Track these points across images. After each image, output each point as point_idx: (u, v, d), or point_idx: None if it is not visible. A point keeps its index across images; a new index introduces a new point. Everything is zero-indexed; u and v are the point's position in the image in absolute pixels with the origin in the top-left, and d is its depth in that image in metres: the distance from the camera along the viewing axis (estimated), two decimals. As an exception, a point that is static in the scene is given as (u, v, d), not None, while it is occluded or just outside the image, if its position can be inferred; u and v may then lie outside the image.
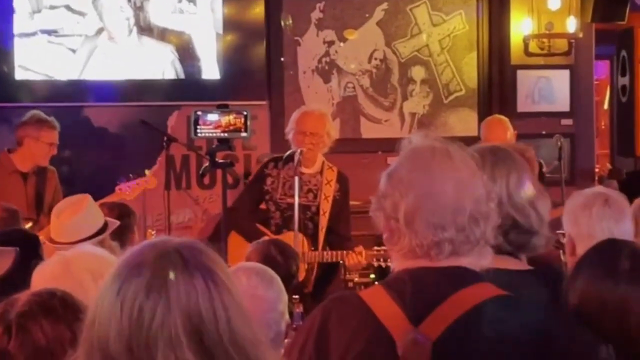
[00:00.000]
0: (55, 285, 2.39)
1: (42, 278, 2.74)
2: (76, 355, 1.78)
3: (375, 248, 6.05)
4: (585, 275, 2.56)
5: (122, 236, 4.62)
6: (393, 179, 2.26)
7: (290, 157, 6.30)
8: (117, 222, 4.53)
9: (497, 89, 8.82)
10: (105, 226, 4.42)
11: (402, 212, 2.20)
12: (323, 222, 6.26)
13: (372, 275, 6.96)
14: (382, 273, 6.19)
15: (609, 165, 9.54)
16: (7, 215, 4.88)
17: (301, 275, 6.13)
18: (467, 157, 2.28)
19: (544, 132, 8.19)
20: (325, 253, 6.19)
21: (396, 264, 2.29)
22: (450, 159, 2.24)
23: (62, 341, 2.18)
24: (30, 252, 3.59)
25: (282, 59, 8.48)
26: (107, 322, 1.72)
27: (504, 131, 6.87)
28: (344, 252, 6.12)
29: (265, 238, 5.42)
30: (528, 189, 2.68)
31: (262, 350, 1.79)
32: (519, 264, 2.69)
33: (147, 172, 6.53)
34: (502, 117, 7.17)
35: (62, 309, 2.25)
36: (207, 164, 5.80)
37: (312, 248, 6.23)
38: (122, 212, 4.90)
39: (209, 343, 1.72)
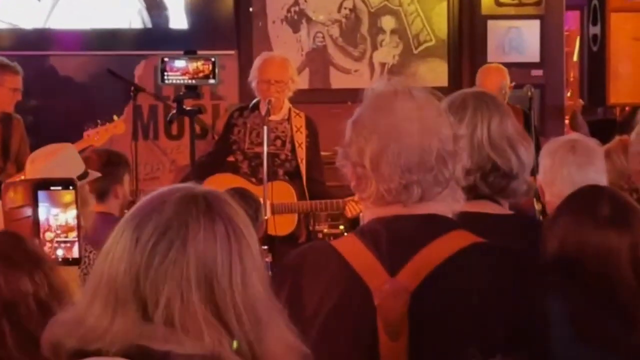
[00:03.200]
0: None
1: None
2: (82, 291, 1.74)
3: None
4: (565, 221, 2.55)
5: (105, 183, 4.46)
6: (357, 125, 2.21)
7: (256, 106, 6.24)
8: (98, 174, 4.38)
9: (467, 39, 8.79)
10: (85, 175, 4.27)
11: (368, 157, 2.15)
12: (303, 170, 6.19)
13: (342, 227, 6.93)
14: (353, 224, 6.15)
15: (581, 101, 9.49)
16: None
17: (292, 225, 6.10)
18: (431, 98, 2.23)
19: (514, 83, 8.16)
20: (319, 203, 6.10)
21: (367, 213, 2.24)
22: (413, 99, 2.18)
23: (21, 292, 2.12)
24: None
25: (250, 8, 8.39)
26: (120, 255, 1.67)
27: (499, 79, 6.86)
28: (341, 200, 5.95)
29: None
30: (509, 132, 2.66)
31: (274, 314, 1.74)
32: (498, 208, 2.66)
33: (115, 117, 6.45)
34: (500, 65, 7.16)
35: (22, 258, 2.18)
36: (174, 111, 5.75)
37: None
38: (110, 160, 4.67)
39: (218, 293, 1.66)
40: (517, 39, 8.78)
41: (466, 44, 8.79)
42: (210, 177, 5.95)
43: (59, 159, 4.19)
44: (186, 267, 1.65)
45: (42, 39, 7.92)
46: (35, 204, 2.47)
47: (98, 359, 1.64)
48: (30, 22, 7.90)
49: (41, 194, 2.47)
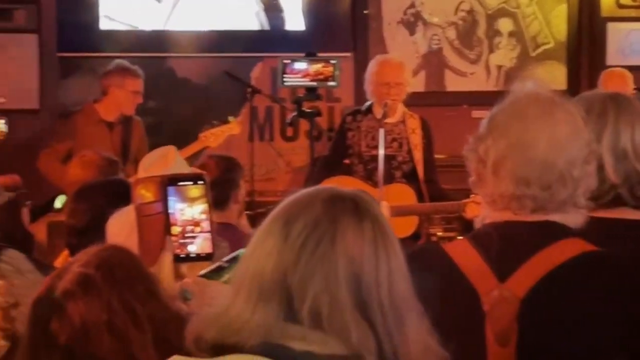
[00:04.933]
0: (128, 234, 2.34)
1: (117, 227, 2.71)
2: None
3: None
4: None
5: (225, 191, 4.50)
6: (491, 122, 2.19)
7: (369, 109, 6.24)
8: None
9: (586, 41, 8.64)
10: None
11: (491, 158, 2.14)
12: (420, 173, 6.17)
13: (456, 231, 6.87)
14: (467, 228, 6.09)
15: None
16: (106, 164, 4.84)
17: (413, 227, 6.08)
18: (572, 113, 2.17)
19: (635, 87, 8.00)
20: (439, 204, 6.06)
21: (483, 212, 2.23)
22: (551, 112, 2.14)
23: (96, 322, 2.12)
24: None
25: (366, 10, 8.39)
26: (269, 252, 1.69)
27: (622, 84, 6.74)
28: (462, 201, 5.83)
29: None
30: None
31: (416, 315, 1.74)
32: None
33: (231, 118, 6.49)
34: (625, 70, 7.04)
35: (105, 285, 2.17)
36: (294, 113, 5.77)
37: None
38: (227, 166, 4.68)
39: (365, 290, 1.67)
40: (638, 42, 8.60)
41: (585, 46, 8.63)
42: (326, 180, 5.97)
43: (176, 165, 4.25)
44: (335, 262, 1.66)
45: (161, 40, 8.03)
46: (165, 200, 2.50)
47: (238, 357, 1.65)
48: (149, 24, 8.02)
49: (170, 190, 2.49)
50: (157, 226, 2.50)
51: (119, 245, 2.35)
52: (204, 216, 2.50)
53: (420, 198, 6.13)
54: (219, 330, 1.68)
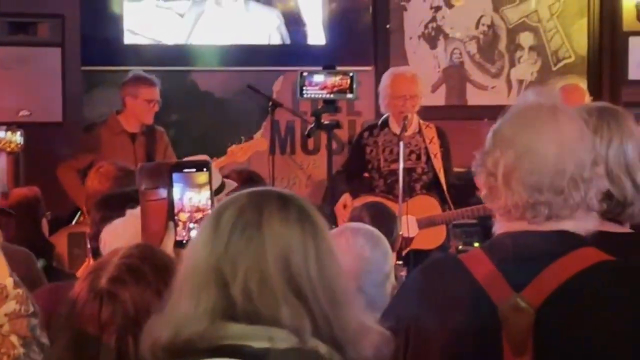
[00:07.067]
0: (125, 244, 2.36)
1: (113, 235, 2.72)
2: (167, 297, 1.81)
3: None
4: None
5: None
6: (497, 135, 2.21)
7: (386, 122, 6.27)
8: (235, 184, 4.43)
9: (607, 56, 8.63)
10: (222, 186, 4.31)
11: (501, 170, 2.16)
12: (442, 179, 6.19)
13: (477, 243, 6.88)
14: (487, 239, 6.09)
15: None
16: (123, 174, 4.85)
17: (442, 237, 6.10)
18: (575, 118, 2.20)
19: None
20: (465, 210, 6.08)
21: (497, 226, 2.24)
22: (556, 119, 2.17)
23: (149, 309, 2.09)
24: None
25: (388, 25, 8.41)
26: (202, 245, 1.78)
27: (581, 99, 6.61)
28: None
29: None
30: (628, 158, 2.51)
31: (350, 296, 1.80)
32: (620, 228, 2.56)
33: (258, 135, 6.56)
34: (579, 84, 7.03)
35: (151, 273, 2.19)
36: (311, 125, 5.80)
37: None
38: (249, 177, 4.72)
39: (296, 271, 1.74)
40: (659, 56, 8.60)
41: (606, 60, 8.63)
42: (348, 196, 6.03)
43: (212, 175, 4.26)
44: (262, 244, 1.74)
45: (183, 54, 8.07)
46: (170, 185, 2.50)
47: None
48: (172, 38, 8.07)
49: (176, 176, 2.51)
50: (161, 212, 2.52)
51: (146, 242, 2.39)
52: (209, 202, 2.52)
53: (445, 206, 6.15)
54: (170, 331, 1.74)
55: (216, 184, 4.30)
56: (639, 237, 2.59)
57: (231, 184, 4.41)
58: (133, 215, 2.72)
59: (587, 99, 6.74)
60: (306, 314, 1.73)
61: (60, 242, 4.90)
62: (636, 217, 2.56)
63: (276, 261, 1.73)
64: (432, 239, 6.07)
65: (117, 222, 2.77)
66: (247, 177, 4.67)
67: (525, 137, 2.16)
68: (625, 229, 2.58)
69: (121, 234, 2.69)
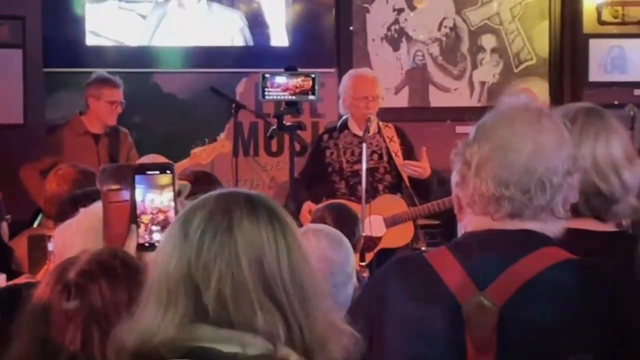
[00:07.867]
0: (80, 240, 2.33)
1: (67, 233, 2.70)
2: (139, 300, 1.79)
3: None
4: None
5: None
6: (479, 129, 2.25)
7: (345, 124, 6.27)
8: (189, 185, 4.39)
9: (568, 58, 8.69)
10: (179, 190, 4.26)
11: (475, 160, 2.20)
12: (405, 177, 6.19)
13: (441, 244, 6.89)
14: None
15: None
16: (82, 177, 4.80)
17: (410, 234, 6.11)
18: (559, 126, 2.23)
19: (616, 102, 8.04)
20: (432, 205, 6.08)
21: (465, 220, 2.27)
22: (539, 121, 2.20)
23: (117, 304, 2.12)
24: None
25: (351, 27, 8.42)
26: (171, 252, 1.75)
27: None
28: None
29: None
30: (615, 155, 2.53)
31: (321, 296, 1.80)
32: (601, 226, 2.56)
33: (221, 136, 6.54)
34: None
35: (122, 270, 2.20)
36: (273, 126, 5.80)
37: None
38: (201, 179, 4.66)
39: (269, 273, 1.73)
40: (619, 58, 8.66)
41: (567, 63, 8.69)
42: (310, 201, 6.03)
43: None
44: (234, 247, 1.72)
45: (146, 56, 8.04)
46: (132, 187, 2.48)
47: None
48: (135, 39, 8.04)
49: (138, 178, 2.48)
50: (123, 214, 2.49)
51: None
52: (172, 204, 2.49)
53: (411, 204, 6.16)
54: (136, 339, 1.72)
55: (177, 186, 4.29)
56: (618, 236, 2.60)
57: (185, 185, 4.40)
58: (87, 212, 2.70)
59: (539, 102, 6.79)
60: (280, 318, 1.72)
61: (21, 244, 4.85)
62: (620, 216, 2.58)
63: (250, 264, 1.72)
64: (400, 237, 6.08)
65: (71, 220, 2.74)
66: (193, 179, 4.58)
67: (503, 132, 2.20)
68: (608, 227, 2.58)
69: (74, 231, 2.66)
